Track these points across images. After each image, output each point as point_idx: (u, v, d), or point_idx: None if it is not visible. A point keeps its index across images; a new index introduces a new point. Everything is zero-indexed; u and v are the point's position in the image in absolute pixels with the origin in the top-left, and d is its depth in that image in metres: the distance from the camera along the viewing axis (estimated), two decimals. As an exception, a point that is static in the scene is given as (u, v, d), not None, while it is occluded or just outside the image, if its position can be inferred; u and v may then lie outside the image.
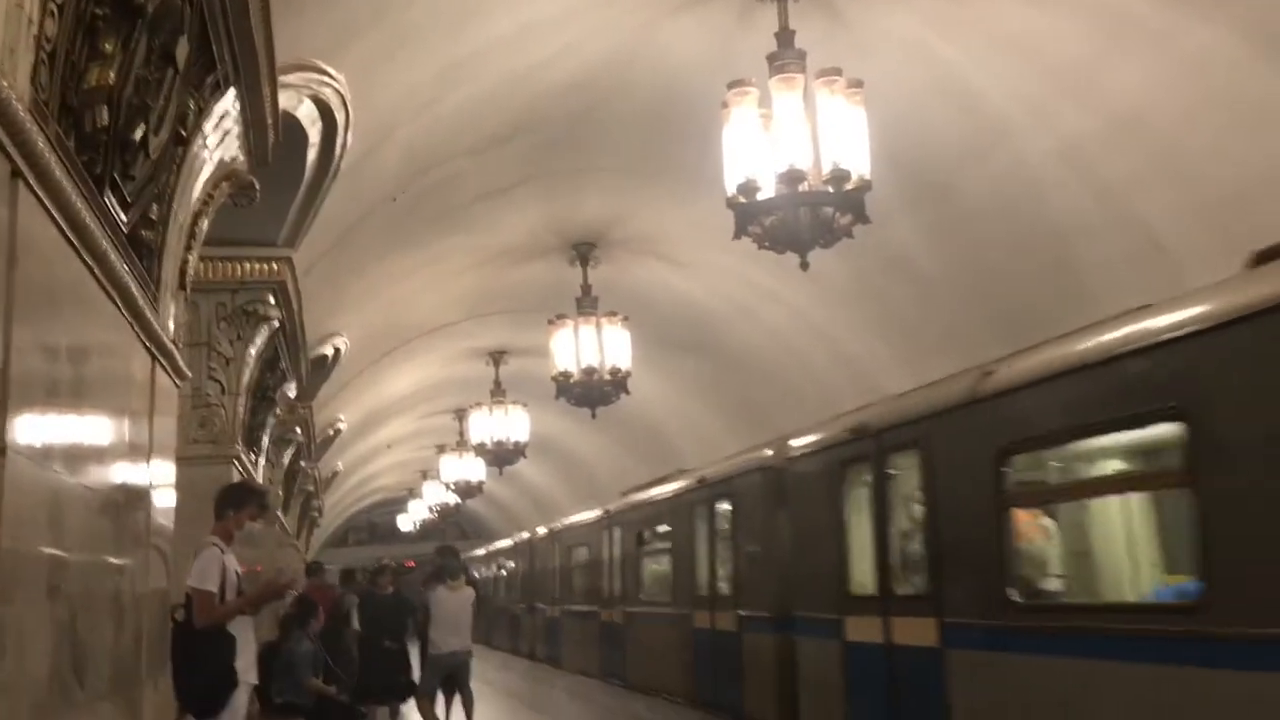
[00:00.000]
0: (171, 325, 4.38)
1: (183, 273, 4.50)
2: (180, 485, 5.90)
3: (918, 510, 8.59)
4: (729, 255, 10.85)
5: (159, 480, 4.39)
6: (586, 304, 11.29)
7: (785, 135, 6.15)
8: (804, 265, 6.34)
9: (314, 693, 9.06)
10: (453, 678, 11.08)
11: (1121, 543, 7.36)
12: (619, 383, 11.17)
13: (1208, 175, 7.37)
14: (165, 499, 4.55)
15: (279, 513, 13.46)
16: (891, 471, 9.02)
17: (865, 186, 6.21)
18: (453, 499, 23.48)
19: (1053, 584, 7.61)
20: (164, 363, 4.27)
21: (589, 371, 11.04)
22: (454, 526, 38.31)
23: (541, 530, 24.11)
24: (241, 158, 4.75)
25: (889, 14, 7.13)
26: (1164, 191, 7.71)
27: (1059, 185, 8.22)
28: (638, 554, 16.27)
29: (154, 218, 3.71)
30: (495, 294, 12.99)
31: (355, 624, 11.98)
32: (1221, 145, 7.19)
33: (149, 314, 3.84)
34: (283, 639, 9.39)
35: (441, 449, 21.74)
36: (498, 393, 15.96)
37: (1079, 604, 7.44)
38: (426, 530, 33.63)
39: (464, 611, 11.12)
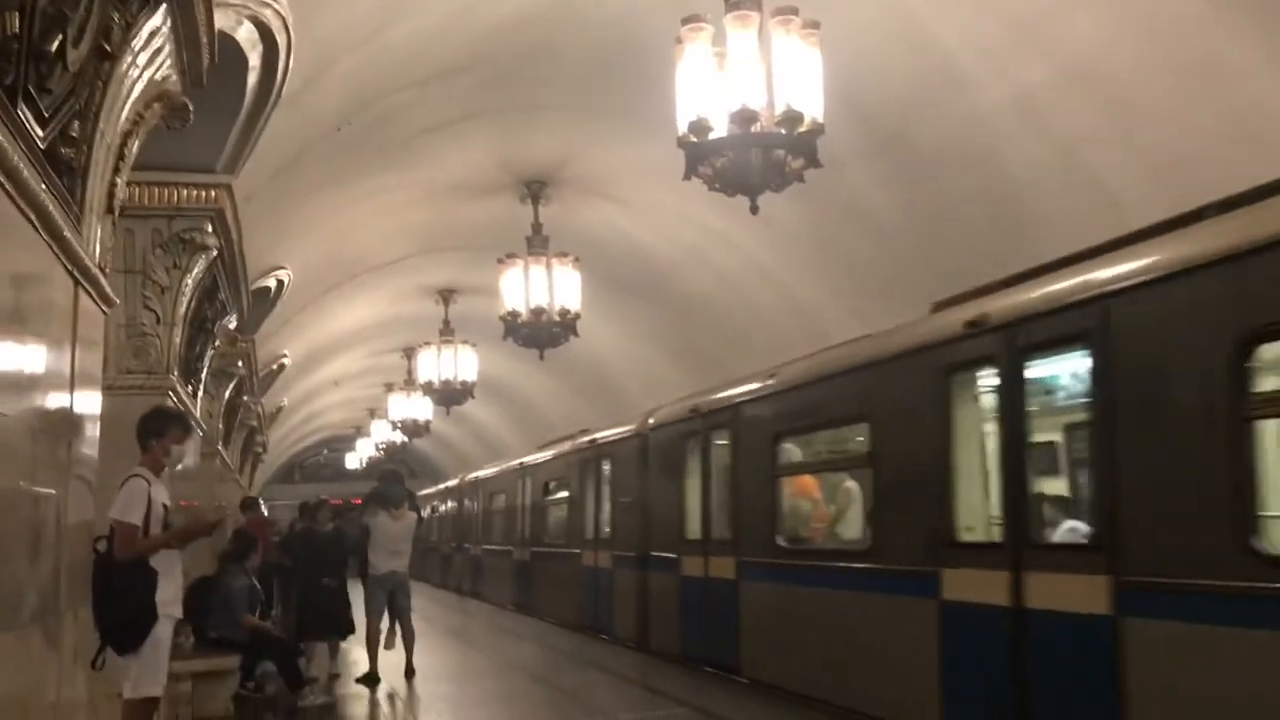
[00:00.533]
0: (97, 249, 4.23)
1: (111, 195, 4.33)
2: (113, 416, 5.77)
3: (727, 476, 11.03)
4: (681, 198, 10.74)
5: (83, 409, 4.26)
6: (537, 243, 11.17)
7: (739, 74, 6.06)
8: (754, 208, 6.27)
9: (250, 628, 9.00)
10: (393, 598, 11.11)
11: (833, 505, 10.02)
12: (568, 324, 11.10)
13: (1158, 130, 7.38)
14: (90, 428, 4.43)
15: (219, 446, 13.29)
16: (713, 445, 11.45)
17: (818, 130, 6.15)
18: (400, 438, 23.35)
19: (800, 533, 10.20)
20: (88, 288, 4.12)
21: (538, 312, 10.95)
22: (402, 465, 38.16)
23: (470, 477, 26.19)
24: (175, 78, 4.57)
25: (849, -45, 7.02)
26: (1114, 145, 7.72)
27: (1012, 136, 8.20)
28: (544, 502, 18.58)
29: (75, 135, 3.55)
30: (445, 230, 12.81)
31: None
32: (1172, 101, 7.19)
33: (70, 236, 3.69)
34: (220, 574, 9.31)
35: (390, 388, 21.58)
36: (446, 332, 15.82)
37: (811, 548, 9.95)
38: (373, 469, 33.44)
39: (404, 538, 11.40)
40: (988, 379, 7.28)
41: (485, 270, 12.00)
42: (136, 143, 4.53)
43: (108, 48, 3.52)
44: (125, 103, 4.21)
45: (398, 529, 11.32)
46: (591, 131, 10.14)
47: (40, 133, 3.22)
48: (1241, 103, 6.81)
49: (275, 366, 16.00)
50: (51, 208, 3.40)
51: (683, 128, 6.15)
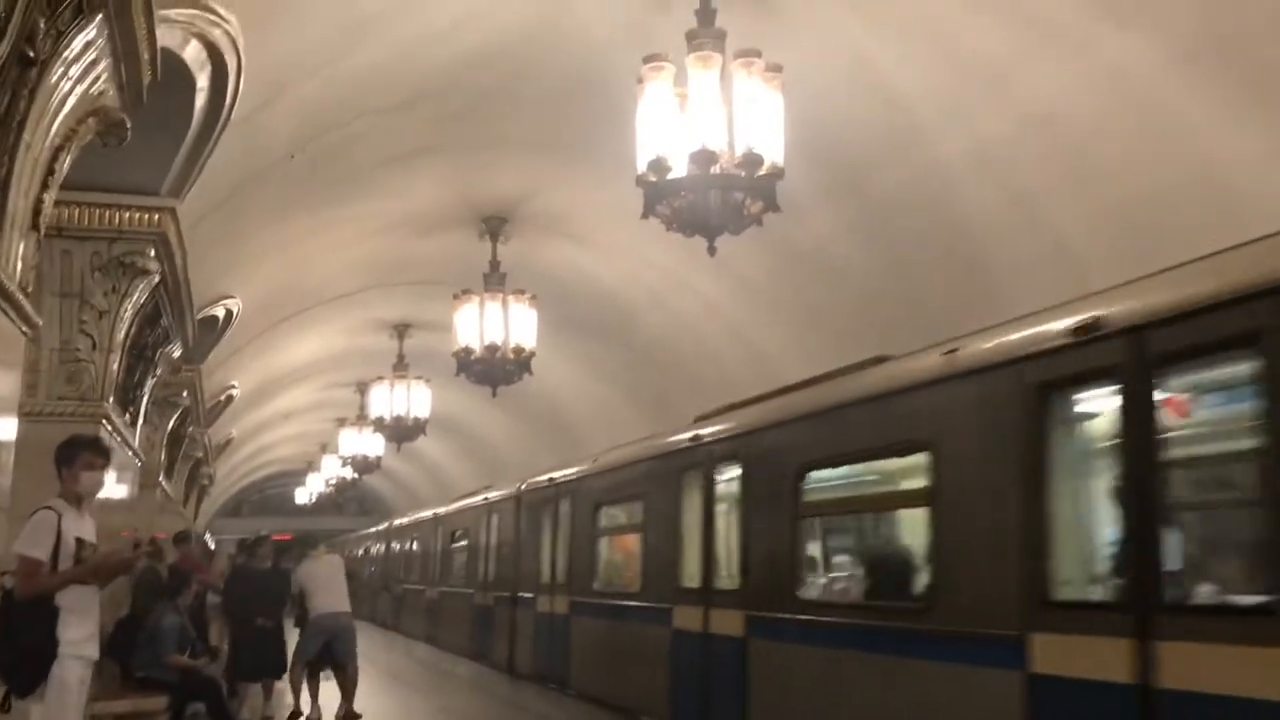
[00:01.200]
0: (18, 267, 4.02)
1: (37, 211, 4.14)
2: (42, 444, 5.54)
3: (568, 533, 13.26)
4: (641, 239, 10.66)
5: (-5, 435, 4.05)
6: (494, 280, 11.03)
7: (699, 115, 5.99)
8: (711, 250, 6.19)
9: (177, 668, 8.66)
10: (331, 646, 10.74)
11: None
12: (523, 362, 10.94)
13: (1116, 183, 7.40)
14: (3, 455, 4.19)
15: (161, 478, 12.95)
16: (561, 508, 13.64)
17: (778, 173, 6.08)
18: (351, 474, 23.00)
19: (613, 580, 12.43)
20: (6, 307, 3.92)
21: (492, 349, 10.78)
22: (352, 502, 37.68)
23: (396, 523, 28.78)
24: (112, 93, 4.40)
25: (813, 2, 6.99)
26: (1073, 197, 7.72)
27: (972, 185, 8.19)
28: (450, 548, 21.04)
29: (-7, 145, 3.38)
30: (401, 264, 12.63)
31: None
32: (1130, 154, 7.21)
33: (-15, 251, 3.50)
34: (148, 611, 8.98)
35: (342, 422, 21.28)
36: (400, 367, 15.60)
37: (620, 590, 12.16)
38: (323, 504, 32.98)
39: (335, 576, 11.23)
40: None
41: (441, 305, 11.83)
42: (69, 158, 4.34)
43: (32, 54, 3.35)
44: (56, 116, 4.03)
45: (324, 565, 11.25)
46: (553, 169, 10.04)
47: (-49, 139, 3.05)
48: (1199, 157, 6.83)
49: (223, 397, 15.69)
50: (-37, 219, 3.21)
51: (642, 166, 6.07)
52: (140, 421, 9.27)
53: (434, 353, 14.14)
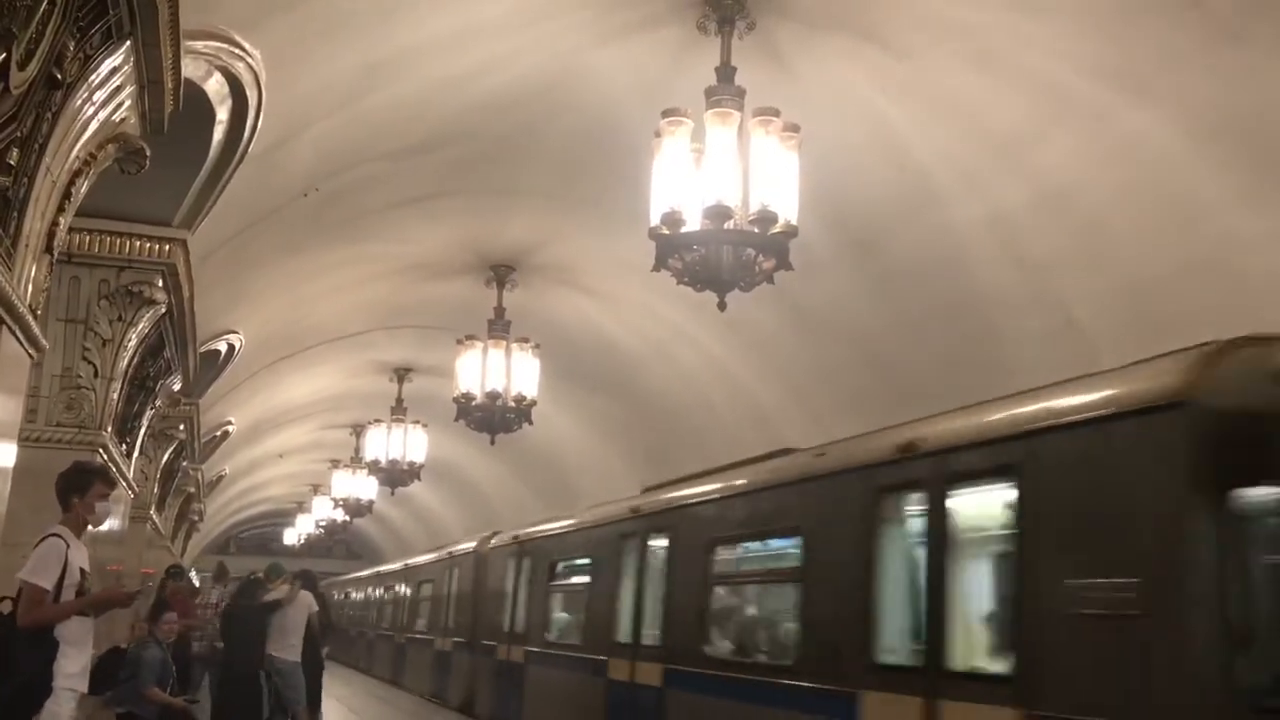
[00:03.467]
0: (29, 289, 3.98)
1: (51, 235, 4.11)
2: (37, 470, 5.48)
3: (527, 586, 13.95)
4: (649, 293, 10.68)
5: (-6, 458, 3.98)
6: (498, 327, 11.01)
7: (715, 171, 6.00)
8: (722, 305, 6.16)
9: (155, 701, 8.46)
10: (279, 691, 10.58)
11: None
12: (523, 411, 10.88)
13: (1128, 259, 7.39)
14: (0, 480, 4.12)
15: (152, 511, 12.81)
16: (523, 563, 14.17)
17: (791, 232, 6.07)
18: (341, 516, 22.81)
19: (561, 634, 13.02)
20: (14, 328, 3.87)
21: (493, 396, 10.72)
22: (341, 545, 37.34)
23: (375, 570, 29.81)
24: (134, 120, 4.40)
25: (833, 66, 7.04)
26: (1084, 271, 7.73)
27: (984, 254, 8.20)
28: (417, 597, 22.29)
29: (14, 164, 3.35)
30: (405, 308, 12.62)
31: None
32: (1144, 231, 7.22)
33: (-2, 271, 3.46)
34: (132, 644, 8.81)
35: (335, 464, 21.15)
36: (398, 410, 15.53)
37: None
38: (312, 546, 32.69)
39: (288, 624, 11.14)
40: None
41: (443, 350, 11.80)
42: (86, 184, 4.32)
43: (59, 76, 3.34)
44: (77, 140, 4.02)
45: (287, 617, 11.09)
46: (564, 219, 10.05)
47: (-29, 155, 3.02)
48: (1213, 236, 6.83)
49: (219, 433, 15.60)
50: (-23, 237, 3.17)
51: (655, 219, 6.06)
52: (136, 453, 9.19)
53: (433, 398, 14.09)
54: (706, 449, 13.52)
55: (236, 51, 5.20)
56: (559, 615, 13.31)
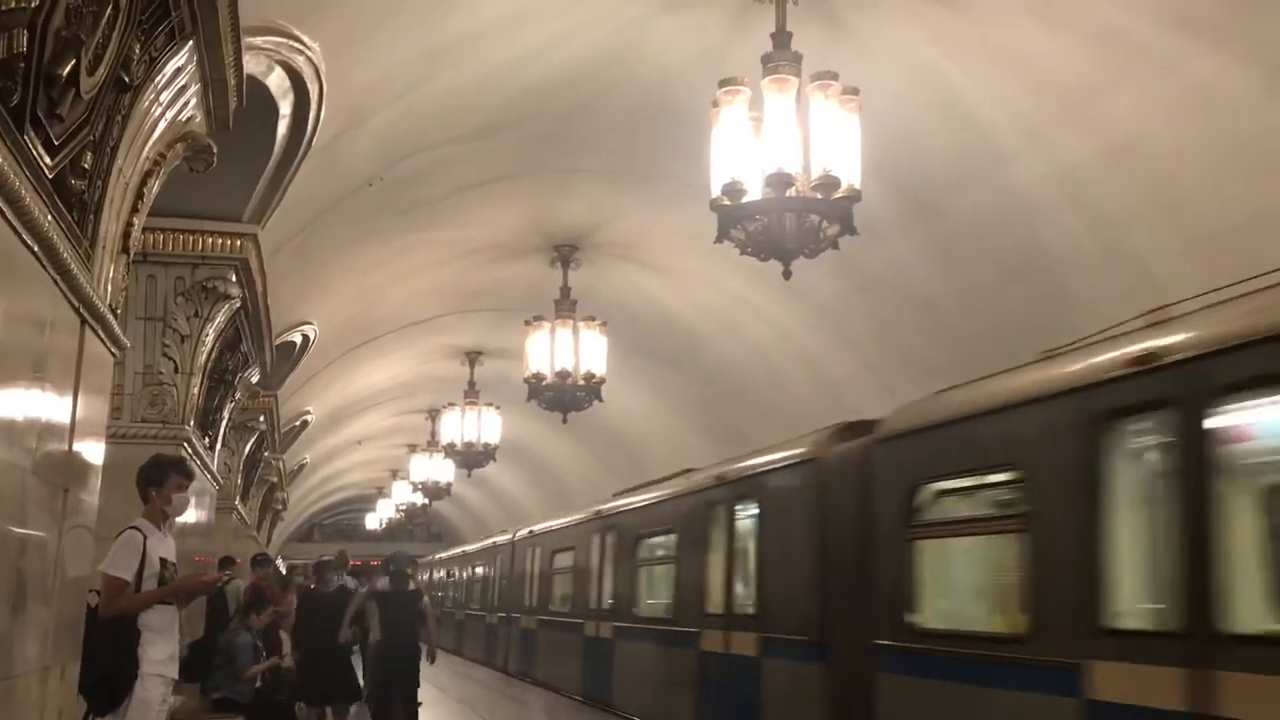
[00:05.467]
0: (109, 289, 4.10)
1: (127, 235, 4.22)
2: (126, 465, 5.62)
3: (535, 570, 19.01)
4: (712, 266, 10.65)
5: (84, 454, 4.10)
6: (565, 307, 11.06)
7: (775, 138, 5.94)
8: (787, 274, 6.11)
9: (252, 676, 8.71)
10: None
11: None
12: (593, 389, 10.94)
13: (1201, 210, 7.20)
14: (92, 476, 4.26)
15: (237, 502, 13.13)
16: (533, 553, 19.23)
17: (855, 196, 6.00)
18: (421, 499, 23.16)
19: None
20: (96, 328, 3.98)
21: (563, 375, 10.80)
22: (421, 528, 37.92)
23: (437, 556, 33.92)
24: (199, 119, 4.49)
25: (891, 25, 6.93)
26: (1155, 223, 7.54)
27: (1052, 211, 8.03)
28: (470, 578, 27.01)
29: (88, 168, 3.43)
30: (473, 291, 12.73)
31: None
32: (1217, 181, 7.01)
33: (78, 272, 3.56)
34: (223, 631, 9.07)
35: (413, 448, 21.45)
36: (471, 393, 15.70)
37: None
38: (393, 530, 33.23)
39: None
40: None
41: (512, 332, 11.90)
42: (157, 183, 4.42)
43: (127, 79, 3.42)
44: (146, 141, 4.11)
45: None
46: (625, 196, 10.06)
47: (49, 161, 3.10)
48: (1290, 184, 6.62)
49: (298, 423, 15.91)
50: (58, 240, 3.26)
51: (716, 190, 6.02)
52: (218, 445, 9.42)
53: (504, 379, 14.23)
54: (776, 419, 13.48)
55: (296, 45, 5.27)
56: (556, 591, 17.81)
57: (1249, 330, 4.96)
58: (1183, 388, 5.22)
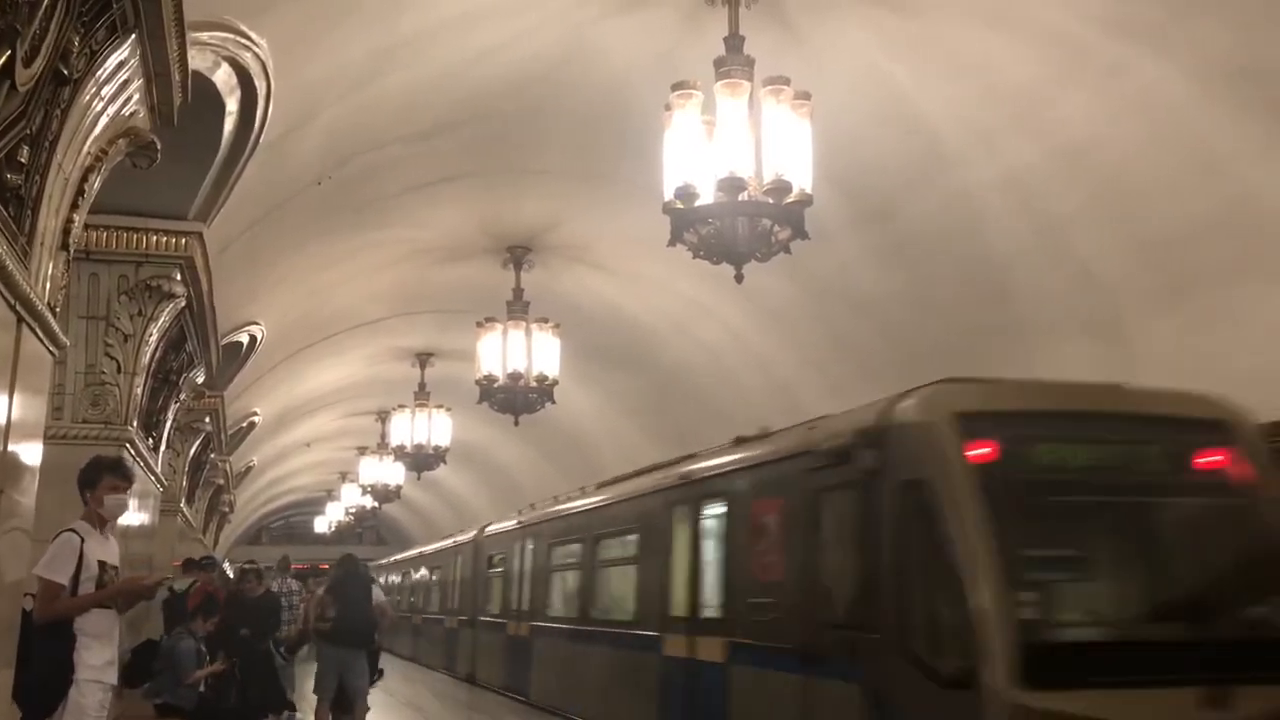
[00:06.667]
0: (47, 286, 4.00)
1: (67, 232, 4.12)
2: (67, 466, 5.50)
3: (466, 574, 19.74)
4: (665, 268, 10.65)
5: (20, 456, 4.00)
6: (517, 308, 11.01)
7: (727, 142, 5.95)
8: (739, 277, 6.13)
9: (197, 680, 8.57)
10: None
11: None
12: (545, 390, 10.90)
13: (1148, 214, 7.31)
14: (28, 478, 4.15)
15: (182, 504, 12.93)
16: (467, 558, 19.65)
17: (806, 201, 6.03)
18: (370, 503, 22.96)
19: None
20: (34, 326, 3.89)
21: (515, 377, 10.74)
22: (371, 531, 37.59)
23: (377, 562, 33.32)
24: (143, 114, 4.40)
25: (842, 30, 6.96)
26: (1103, 226, 7.65)
27: (999, 216, 8.13)
28: (414, 584, 26.74)
29: (24, 162, 3.35)
30: (424, 292, 12.64)
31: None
32: (1161, 184, 7.13)
33: (14, 268, 3.47)
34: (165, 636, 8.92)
35: (362, 451, 21.26)
36: (422, 395, 15.59)
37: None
38: (342, 533, 32.90)
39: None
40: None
41: (464, 334, 11.82)
42: (99, 179, 4.33)
43: (66, 72, 3.34)
44: (88, 136, 4.03)
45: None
46: (578, 198, 10.03)
47: (-18, 154, 3.03)
48: (1233, 190, 6.75)
49: (245, 424, 15.70)
50: (-9, 235, 3.19)
51: (669, 194, 6.03)
52: (163, 447, 9.26)
53: (456, 381, 14.13)
54: (729, 422, 13.49)
55: (243, 41, 5.19)
56: (490, 592, 18.36)
57: (703, 470, 9.52)
58: (689, 493, 9.58)
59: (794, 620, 7.27)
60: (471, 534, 19.33)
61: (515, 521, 16.38)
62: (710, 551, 9.07)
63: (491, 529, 18.18)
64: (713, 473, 9.30)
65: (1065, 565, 6.53)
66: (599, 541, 12.09)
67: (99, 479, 5.15)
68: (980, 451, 6.06)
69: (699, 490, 9.41)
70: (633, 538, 10.96)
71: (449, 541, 21.81)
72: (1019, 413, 6.39)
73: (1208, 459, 6.36)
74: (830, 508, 7.06)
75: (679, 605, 9.44)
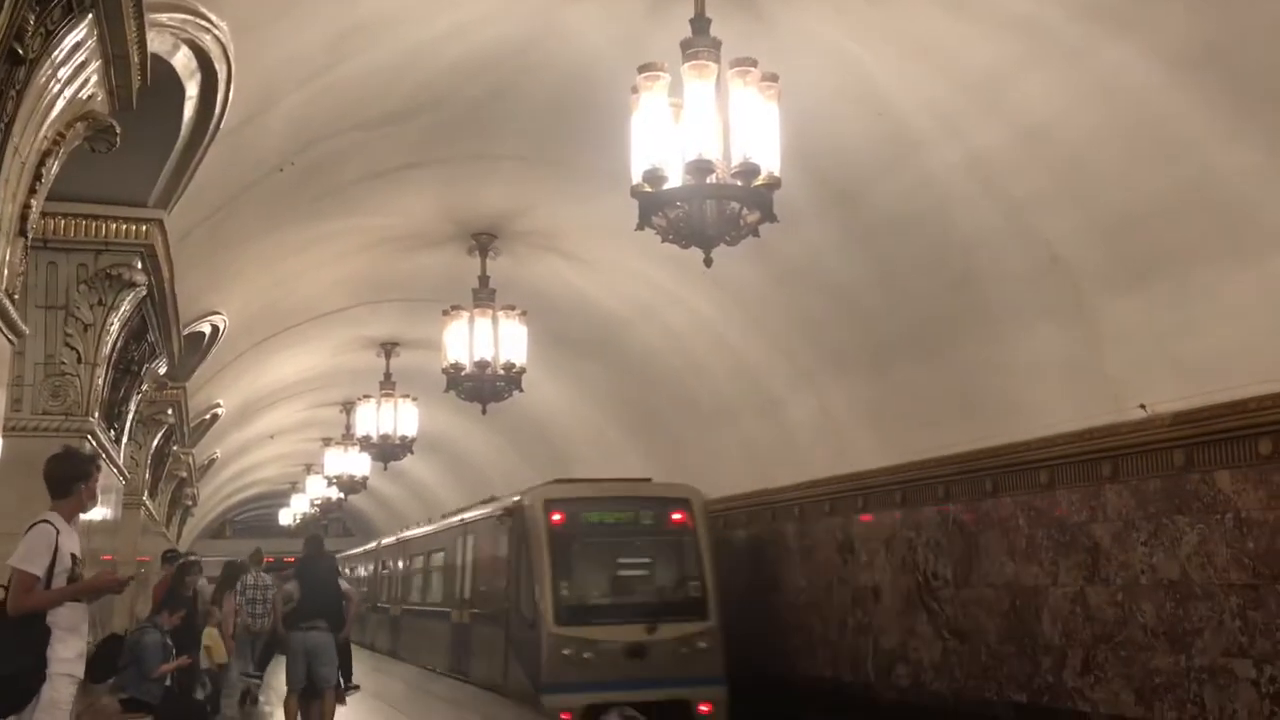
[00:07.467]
0: (5, 273, 3.92)
1: (24, 217, 4.04)
2: (25, 458, 5.42)
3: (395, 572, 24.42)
4: (633, 255, 10.63)
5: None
6: (483, 295, 10.93)
7: (695, 125, 5.91)
8: (708, 261, 6.09)
9: (161, 675, 8.47)
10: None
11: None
12: (513, 379, 10.84)
13: (1112, 194, 7.36)
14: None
15: (144, 497, 12.77)
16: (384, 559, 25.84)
17: (774, 184, 6.00)
18: (336, 494, 22.80)
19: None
20: (-10, 314, 3.82)
21: (482, 365, 10.67)
22: (337, 523, 37.34)
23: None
24: (101, 97, 4.32)
25: (807, 11, 6.95)
26: (1068, 208, 7.69)
27: (966, 198, 8.16)
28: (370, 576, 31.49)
29: (-21, 144, 3.28)
30: (389, 281, 12.53)
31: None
32: (1123, 166, 7.18)
33: (-30, 254, 3.40)
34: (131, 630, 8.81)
35: (327, 442, 21.09)
36: (387, 385, 15.47)
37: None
38: (307, 526, 32.68)
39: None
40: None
41: (429, 323, 11.74)
42: (57, 164, 4.25)
43: (20, 52, 3.26)
44: (44, 119, 3.95)
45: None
46: (544, 183, 9.97)
47: (-66, 135, 2.95)
48: (1194, 170, 6.80)
49: (208, 416, 15.52)
50: (-54, 220, 3.11)
51: (636, 177, 5.98)
52: (125, 439, 9.13)
53: (422, 370, 14.04)
54: (698, 410, 13.53)
55: (202, 23, 5.10)
56: (394, 588, 23.50)
57: (468, 517, 16.60)
58: (459, 529, 16.32)
59: (490, 598, 14.21)
60: (371, 544, 28.55)
61: (394, 538, 24.64)
62: (468, 562, 16.01)
63: (385, 541, 26.11)
64: (471, 518, 16.27)
65: (589, 571, 12.81)
66: (430, 555, 19.56)
67: (91, 473, 5.11)
68: (555, 518, 12.57)
69: (463, 527, 16.45)
70: (440, 554, 18.44)
71: (371, 544, 29.01)
72: (576, 498, 12.99)
73: (673, 517, 12.72)
74: (499, 541, 13.86)
75: (459, 593, 16.36)
